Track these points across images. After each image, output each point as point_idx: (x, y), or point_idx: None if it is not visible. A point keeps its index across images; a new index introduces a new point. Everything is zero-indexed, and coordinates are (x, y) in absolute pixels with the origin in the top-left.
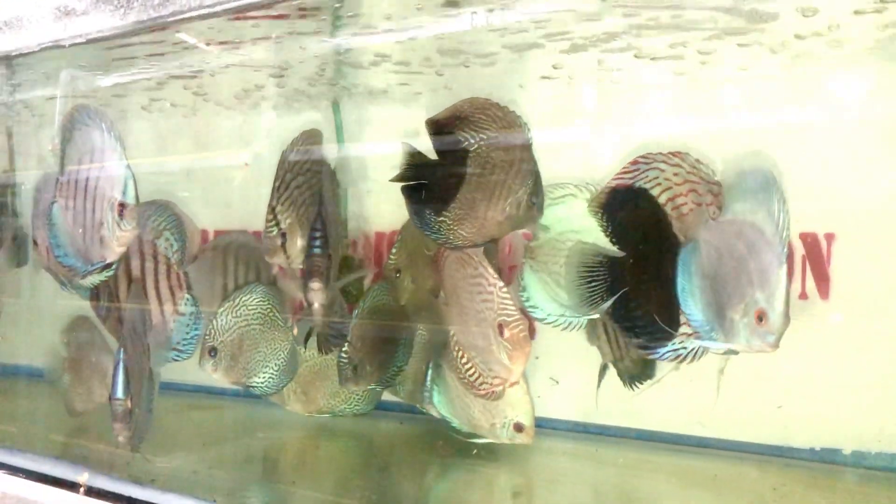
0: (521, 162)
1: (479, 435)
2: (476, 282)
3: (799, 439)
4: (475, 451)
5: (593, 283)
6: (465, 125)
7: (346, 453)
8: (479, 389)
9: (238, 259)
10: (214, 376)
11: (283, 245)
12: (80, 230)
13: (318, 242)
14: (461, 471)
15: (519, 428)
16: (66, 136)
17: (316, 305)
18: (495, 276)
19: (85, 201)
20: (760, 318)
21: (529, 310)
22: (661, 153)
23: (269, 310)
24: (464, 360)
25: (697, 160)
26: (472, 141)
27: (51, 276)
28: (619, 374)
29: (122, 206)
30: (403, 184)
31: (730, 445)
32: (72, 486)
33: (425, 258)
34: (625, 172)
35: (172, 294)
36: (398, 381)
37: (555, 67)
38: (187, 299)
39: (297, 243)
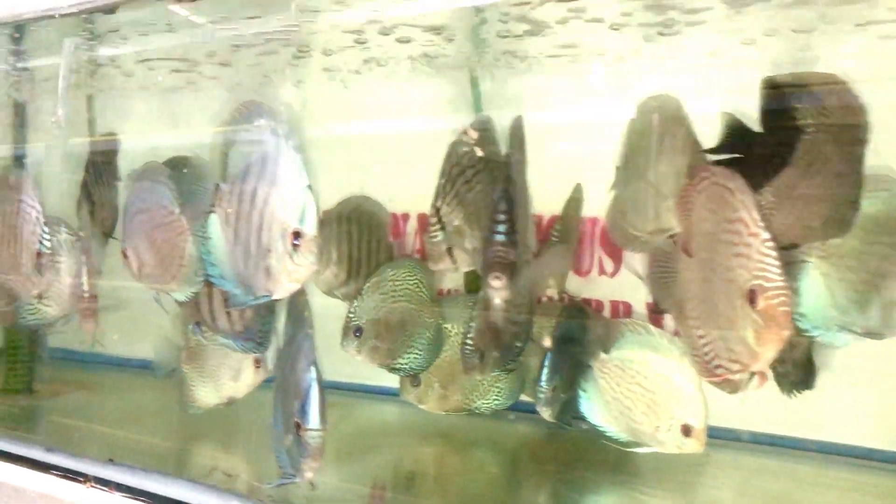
0: (853, 158)
1: (640, 443)
2: (732, 228)
3: None
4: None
5: None
6: (801, 99)
7: (525, 468)
8: (714, 374)
9: (361, 226)
10: (357, 358)
11: (450, 251)
12: (244, 254)
13: (502, 227)
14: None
15: (687, 431)
16: (231, 137)
17: (497, 301)
18: (760, 222)
19: (250, 220)
20: None
21: (795, 317)
22: None
23: (415, 285)
24: (700, 332)
25: None
26: (808, 120)
27: None
28: (777, 379)
29: (298, 235)
30: (721, 157)
31: None
32: None
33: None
34: None
35: None
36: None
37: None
38: None
39: (466, 247)
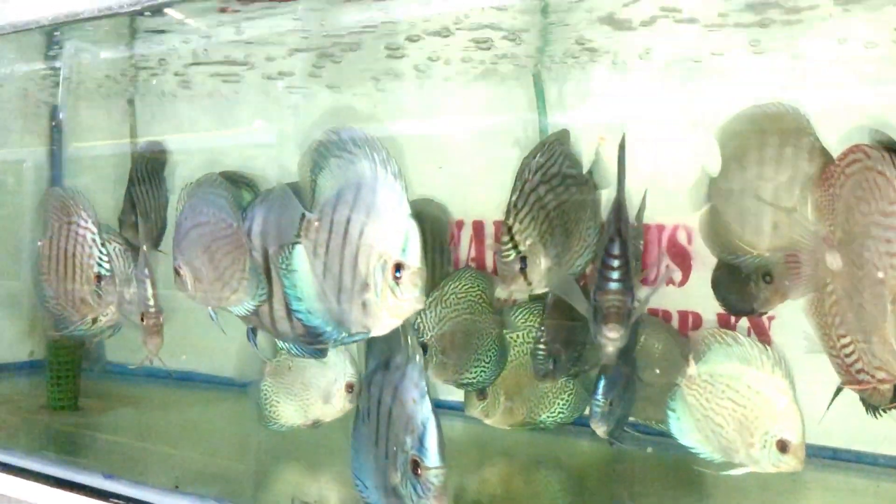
0: None
1: (734, 464)
2: (888, 223)
3: None
4: None
5: None
6: None
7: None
8: (857, 381)
9: (423, 232)
10: None
11: (523, 271)
12: (335, 288)
13: (615, 274)
14: None
15: (784, 447)
16: (319, 163)
17: (610, 349)
18: None
19: (344, 252)
20: None
21: None
22: None
23: (477, 296)
24: (841, 331)
25: None
26: None
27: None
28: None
29: (400, 267)
30: None
31: None
32: None
33: None
34: None
35: None
36: None
37: None
38: None
39: (541, 267)
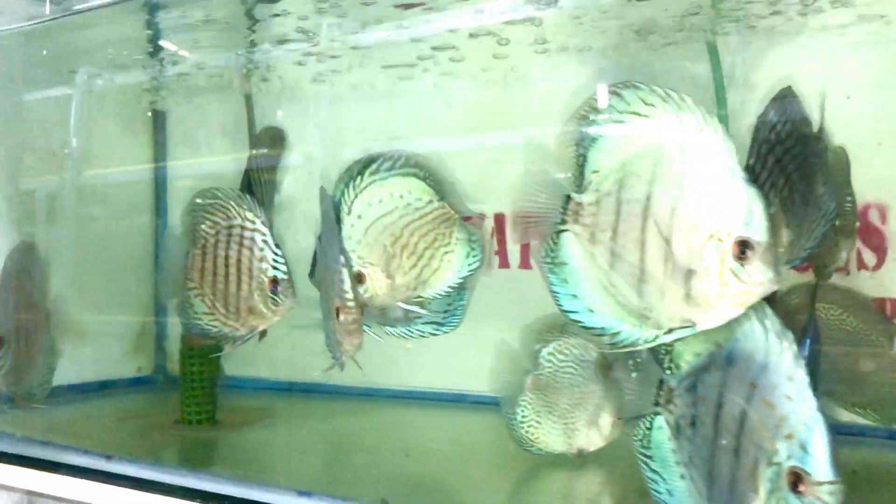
0: None
1: None
2: None
3: None
4: None
5: None
6: None
7: None
8: None
9: None
10: None
11: None
12: (633, 278)
13: None
14: None
15: None
16: (588, 133)
17: None
18: None
19: (643, 235)
20: None
21: None
22: None
23: None
24: None
25: None
26: None
27: None
28: None
29: (745, 244)
30: None
31: None
32: None
33: None
34: None
35: None
36: None
37: None
38: None
39: (783, 240)
